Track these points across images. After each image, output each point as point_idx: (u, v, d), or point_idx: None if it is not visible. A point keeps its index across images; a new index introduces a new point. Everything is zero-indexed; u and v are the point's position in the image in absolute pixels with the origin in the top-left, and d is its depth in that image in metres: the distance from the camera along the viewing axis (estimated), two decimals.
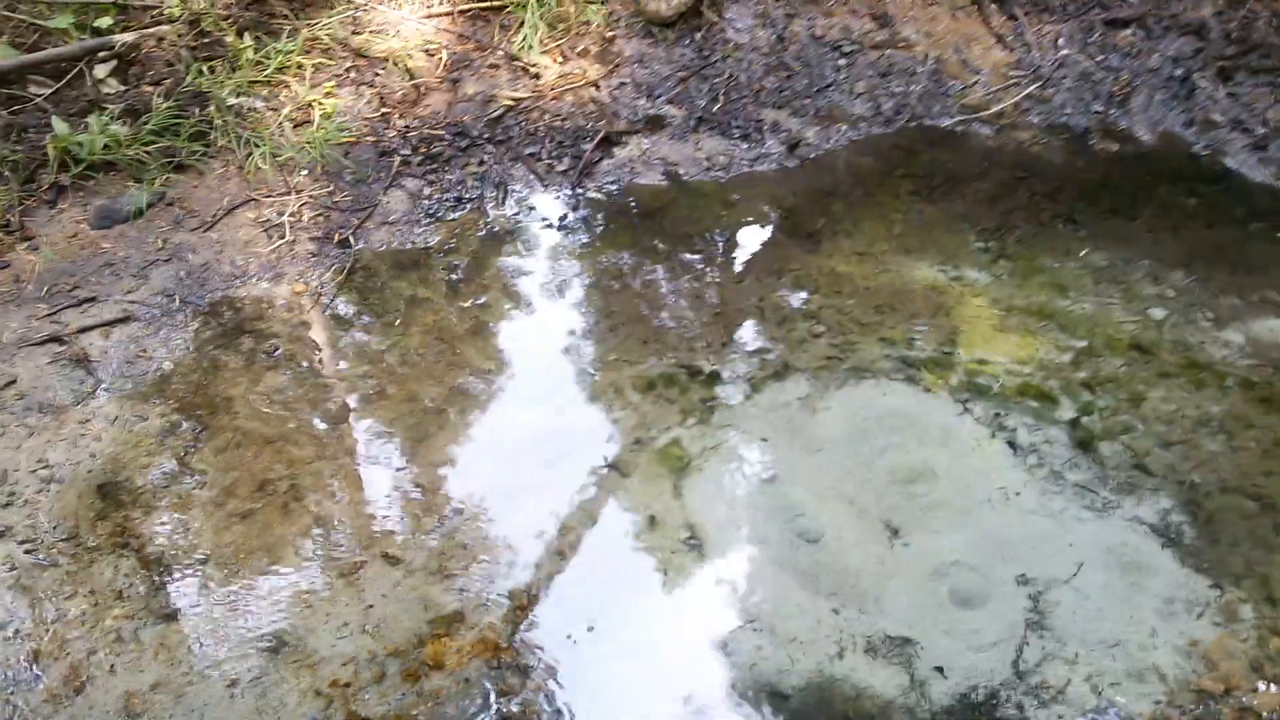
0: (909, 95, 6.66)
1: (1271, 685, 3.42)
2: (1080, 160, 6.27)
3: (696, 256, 5.63)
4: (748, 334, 5.03)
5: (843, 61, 6.81)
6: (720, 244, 5.72)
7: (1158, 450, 4.30)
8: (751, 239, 5.76)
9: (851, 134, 6.49)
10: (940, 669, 3.56)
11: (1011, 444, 4.35)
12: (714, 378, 4.77)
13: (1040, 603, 3.75)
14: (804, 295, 5.22)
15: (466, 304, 5.24)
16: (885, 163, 6.28)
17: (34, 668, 3.68)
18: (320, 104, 6.17)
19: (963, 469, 4.25)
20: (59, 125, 5.57)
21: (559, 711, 3.52)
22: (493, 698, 3.56)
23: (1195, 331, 4.89)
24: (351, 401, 4.69)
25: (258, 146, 5.89)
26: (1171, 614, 3.69)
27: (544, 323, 5.16)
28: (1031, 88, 6.67)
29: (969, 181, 6.09)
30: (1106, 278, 5.26)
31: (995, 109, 6.60)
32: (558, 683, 3.61)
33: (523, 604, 3.87)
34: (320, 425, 4.60)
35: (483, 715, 3.51)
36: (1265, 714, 3.34)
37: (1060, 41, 6.88)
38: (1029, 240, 5.57)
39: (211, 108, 5.97)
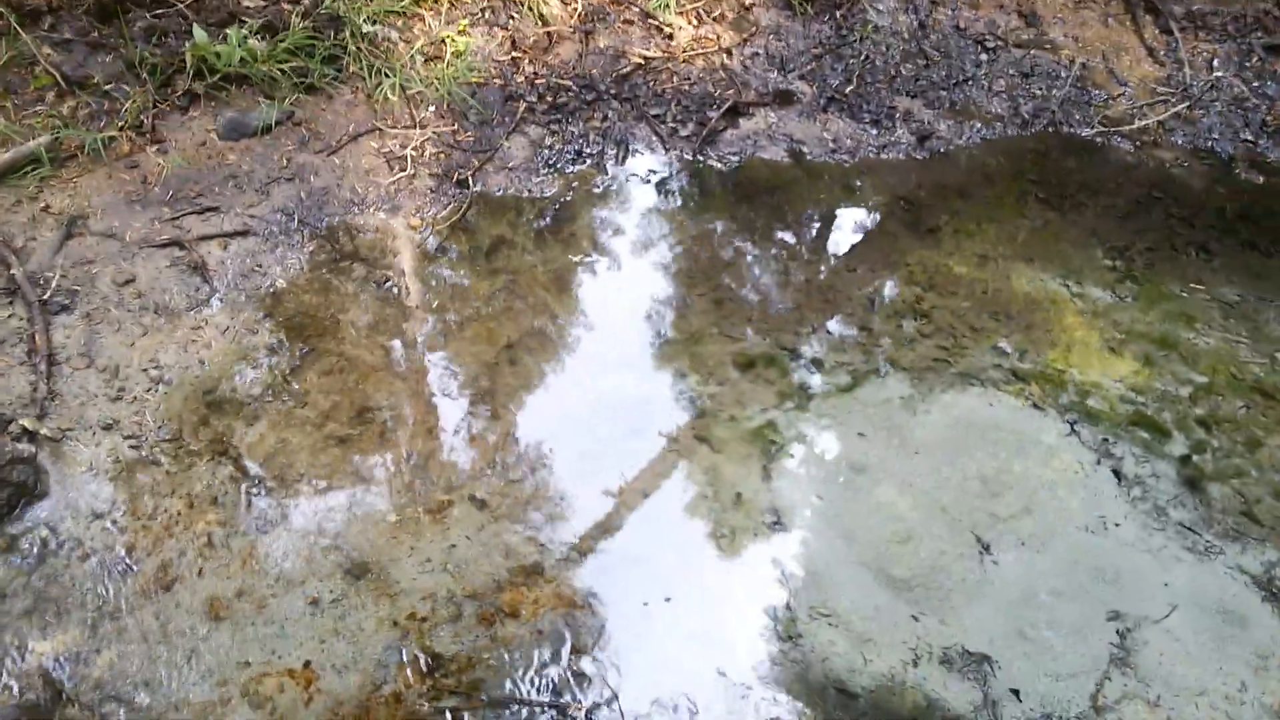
0: (1049, 99, 6.45)
1: None
2: (1222, 188, 6.03)
3: (811, 239, 5.54)
4: (855, 324, 4.94)
5: (984, 57, 6.62)
6: (837, 229, 5.62)
7: (1269, 500, 4.14)
8: (870, 227, 5.65)
9: (985, 132, 6.31)
10: (1016, 692, 3.49)
11: (1117, 472, 4.22)
12: (816, 364, 4.71)
13: (1128, 639, 3.65)
14: (917, 291, 5.11)
15: (576, 258, 5.24)
16: (1017, 165, 6.10)
17: (128, 559, 3.79)
18: (453, 41, 6.18)
19: (1063, 492, 4.14)
20: (199, 33, 5.66)
21: (626, 677, 3.52)
22: (564, 652, 3.58)
23: None
24: (454, 343, 4.73)
25: (388, 76, 5.93)
26: (1264, 670, 3.56)
27: (650, 288, 5.13)
28: (1179, 107, 6.42)
29: (1102, 196, 5.89)
30: (1236, 314, 5.05)
31: (1138, 124, 6.37)
32: (629, 647, 3.61)
33: (601, 564, 3.88)
34: (422, 362, 4.64)
35: (552, 668, 3.54)
36: None
37: (1215, 63, 6.60)
38: (1159, 264, 5.38)
39: (347, 33, 6.01)
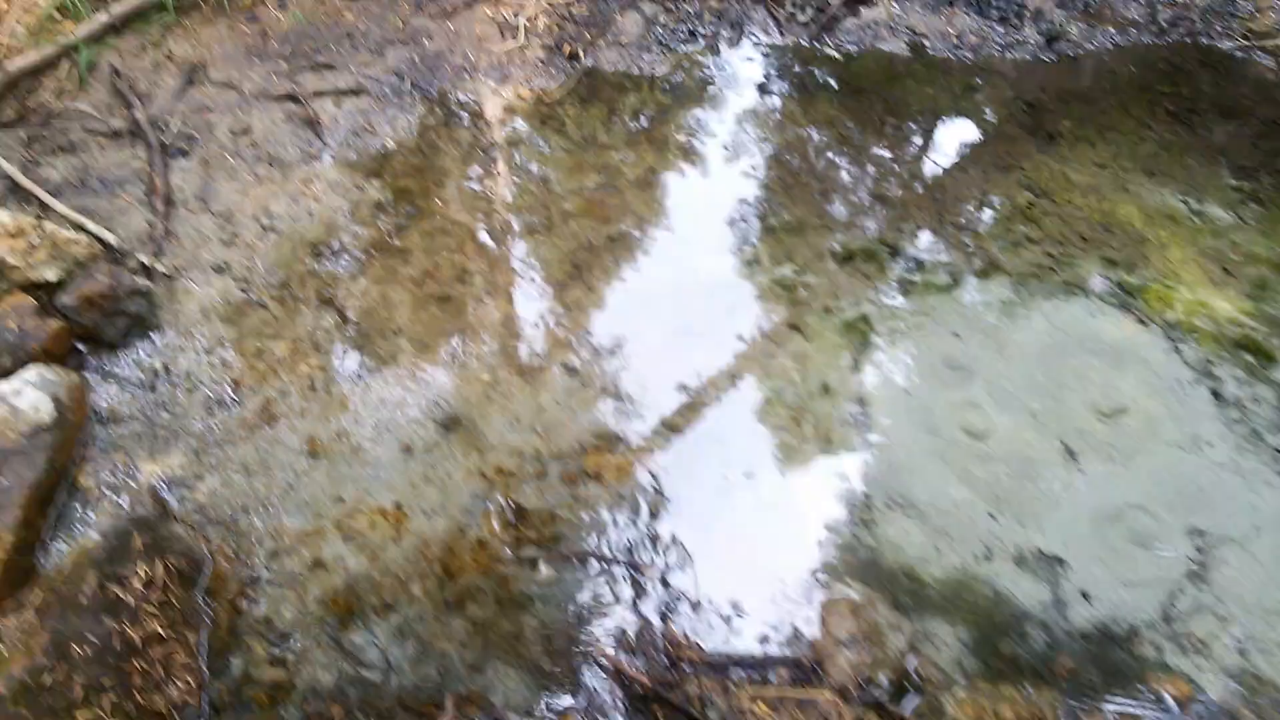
0: (1191, 7, 6.14)
1: None
2: None
3: (925, 135, 5.42)
4: (961, 224, 4.85)
5: None
6: (953, 127, 5.48)
7: None
8: (986, 127, 5.50)
9: (1118, 38, 6.04)
10: (1086, 594, 3.50)
11: (1216, 393, 4.13)
12: (916, 261, 4.65)
13: (1207, 556, 3.62)
14: (1030, 196, 4.98)
15: (683, 139, 5.21)
16: (1148, 75, 5.85)
17: (234, 395, 3.98)
18: None
19: (1158, 407, 4.07)
20: None
21: (701, 544, 3.62)
22: (642, 516, 3.68)
23: None
24: (555, 216, 4.77)
25: None
26: None
27: (755, 175, 5.09)
28: None
29: (1236, 113, 5.62)
30: None
31: None
32: (705, 515, 3.70)
33: (685, 438, 3.95)
34: (522, 232, 4.70)
35: (630, 530, 3.65)
36: None
37: None
38: None
39: None
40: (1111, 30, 6.07)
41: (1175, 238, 4.80)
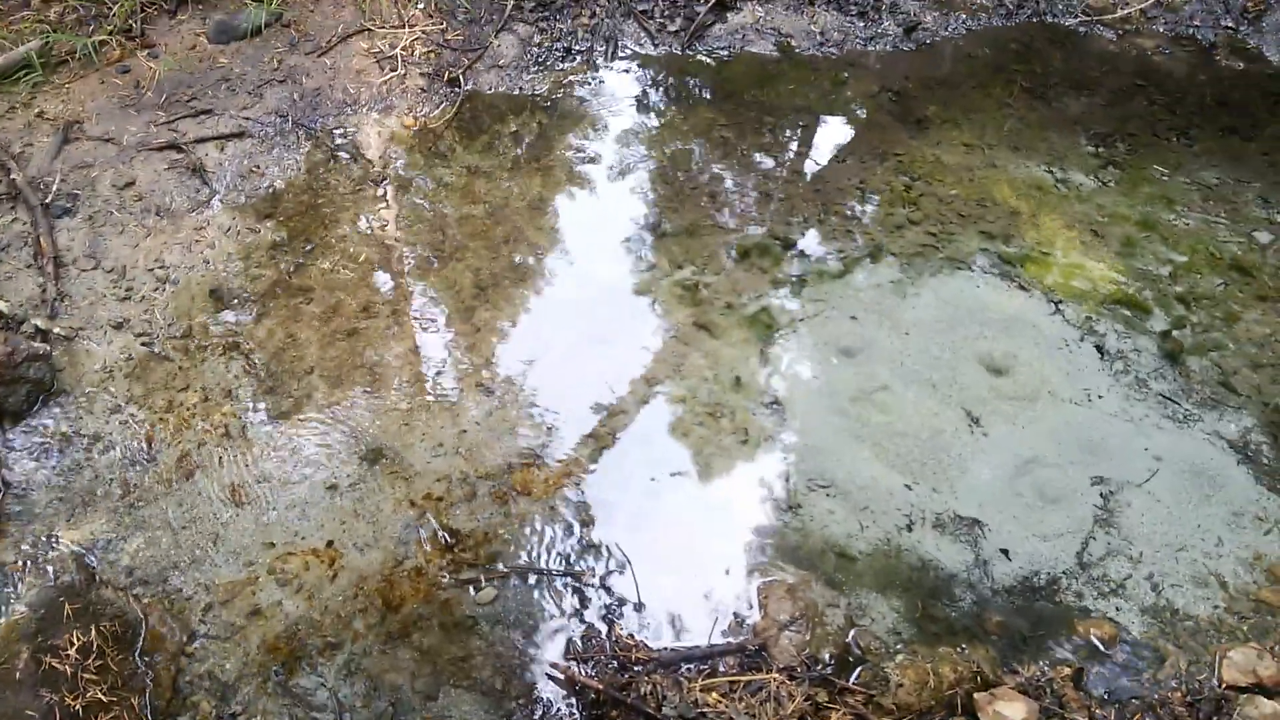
0: None
1: None
2: (1202, 75, 6.11)
3: (800, 131, 5.61)
4: (845, 213, 5.05)
5: None
6: (826, 121, 5.69)
7: (1246, 370, 4.32)
8: (858, 119, 5.72)
9: (971, 23, 6.35)
10: (1006, 551, 3.69)
11: (1100, 348, 4.39)
12: (808, 252, 4.82)
13: (1111, 502, 3.85)
14: (906, 180, 5.21)
15: (568, 155, 5.30)
16: (1002, 56, 6.16)
17: (148, 451, 3.91)
18: None
19: (1048, 367, 4.31)
20: None
21: (636, 546, 3.70)
22: (576, 526, 3.75)
23: None
24: (452, 238, 4.81)
25: None
26: (1240, 527, 3.77)
27: (643, 182, 5.21)
28: None
29: (1085, 85, 5.96)
30: (1216, 196, 5.19)
31: (1121, 13, 6.42)
32: (636, 519, 3.79)
33: (608, 445, 4.03)
34: (422, 258, 4.73)
35: (566, 540, 3.71)
36: None
37: None
38: (1141, 150, 5.49)
39: None
40: (964, 16, 6.37)
41: (1045, 207, 5.08)
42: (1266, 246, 4.89)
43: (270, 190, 4.98)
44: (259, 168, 5.07)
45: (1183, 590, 3.58)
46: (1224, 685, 3.23)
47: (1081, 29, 6.39)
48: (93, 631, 3.30)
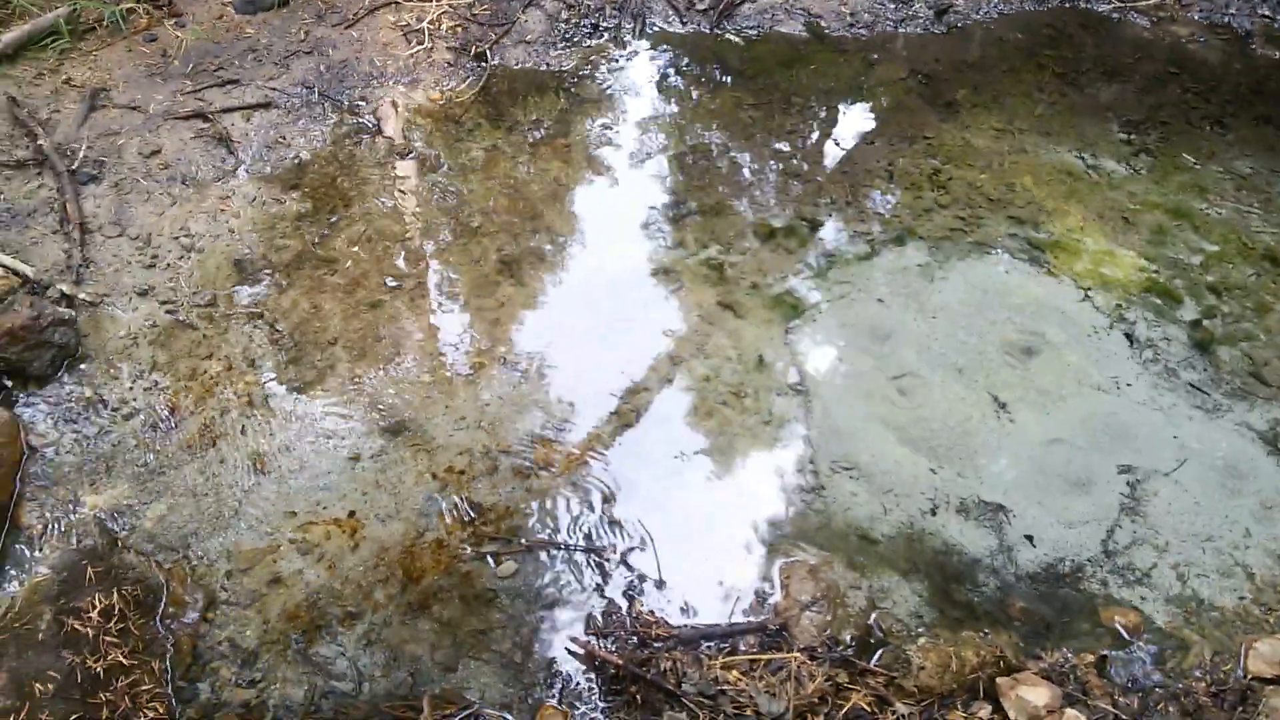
0: None
1: None
2: (1237, 63, 6.03)
3: (829, 112, 5.57)
4: (874, 195, 5.00)
5: None
6: (855, 102, 5.64)
7: (1277, 362, 4.27)
8: (887, 101, 5.67)
9: (1003, 7, 6.28)
10: (1030, 538, 3.66)
11: (1129, 336, 4.34)
12: (835, 233, 4.79)
13: (1138, 491, 3.81)
14: (935, 164, 5.16)
15: (597, 131, 5.27)
16: (1034, 41, 6.09)
17: (172, 418, 3.92)
18: None
19: (1077, 354, 4.26)
20: None
21: (657, 523, 3.68)
22: (598, 501, 3.73)
23: None
24: (479, 212, 4.79)
25: None
26: (1269, 519, 3.73)
27: (666, 161, 5.17)
28: None
29: (1118, 71, 5.89)
30: (1249, 185, 5.12)
31: (1155, 0, 6.33)
32: (660, 496, 3.77)
33: (630, 423, 4.01)
34: (448, 231, 4.71)
35: (587, 515, 3.70)
36: None
37: None
38: (1173, 138, 5.42)
39: None
40: (996, 0, 6.30)
41: (1075, 193, 5.02)
42: None
43: (296, 161, 4.97)
44: (285, 139, 5.05)
45: (1209, 580, 3.54)
46: (1250, 676, 3.20)
47: (1115, 15, 6.31)
48: (115, 595, 3.30)
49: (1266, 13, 6.27)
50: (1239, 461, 3.91)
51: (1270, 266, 4.68)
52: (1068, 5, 6.37)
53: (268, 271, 4.46)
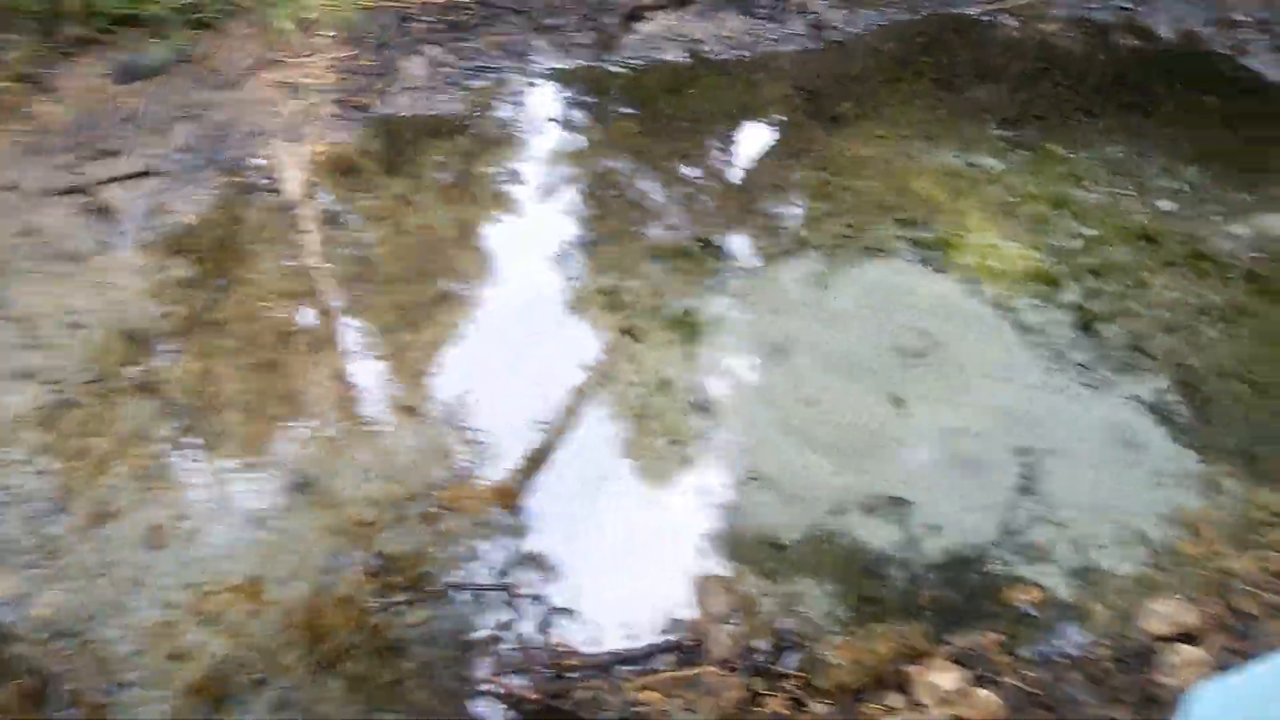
0: None
1: (1248, 551, 3.57)
2: (1102, 55, 6.25)
3: (717, 134, 5.65)
4: (764, 211, 5.08)
5: None
6: (741, 122, 5.73)
7: (1158, 334, 4.39)
8: (773, 119, 5.77)
9: (878, 19, 6.45)
10: (934, 526, 3.70)
11: (1017, 324, 4.44)
12: (729, 251, 4.84)
13: (1034, 471, 3.88)
14: (823, 175, 5.26)
15: (484, 171, 5.28)
16: (910, 49, 6.25)
17: (61, 499, 3.82)
18: None
19: (969, 345, 4.35)
20: None
21: (570, 554, 3.67)
22: (508, 539, 3.71)
23: (1203, 225, 4.95)
24: (370, 261, 4.77)
25: (282, 6, 5.87)
26: (1159, 485, 3.82)
27: (562, 195, 5.21)
28: None
29: (991, 71, 6.07)
30: (1120, 170, 5.29)
31: (1022, 0, 6.53)
32: (569, 526, 3.76)
33: (538, 456, 4.00)
34: (339, 282, 4.68)
35: (498, 554, 3.67)
36: (1240, 576, 3.49)
37: None
38: (1047, 131, 5.59)
39: None
40: (870, 12, 6.47)
41: (958, 192, 5.14)
42: (1172, 214, 4.99)
43: (182, 227, 4.91)
44: (168, 205, 5.00)
45: (1107, 551, 3.61)
46: (1150, 637, 3.26)
47: (985, 18, 6.50)
48: (11, 689, 3.20)
49: (1124, 4, 6.51)
50: (1130, 433, 4.00)
51: (1146, 244, 4.83)
52: (939, 12, 6.55)
53: (157, 340, 4.39)
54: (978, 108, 5.78)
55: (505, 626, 3.47)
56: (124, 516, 3.79)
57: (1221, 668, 3.15)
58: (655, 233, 4.95)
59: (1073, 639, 3.34)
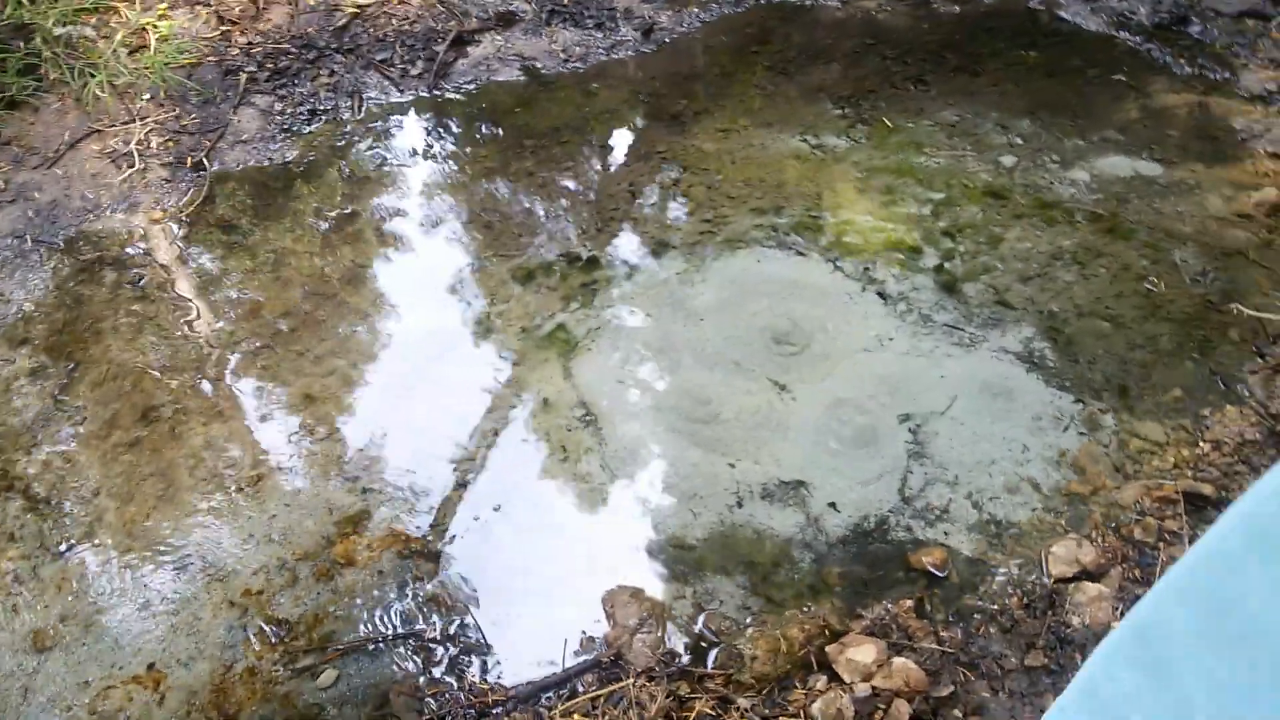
0: None
1: (1132, 481, 3.70)
2: (925, 24, 6.45)
3: (563, 148, 5.63)
4: (622, 217, 5.08)
5: None
6: (586, 134, 5.73)
7: (1017, 285, 4.54)
8: (616, 126, 5.78)
9: (704, 15, 6.52)
10: (833, 504, 3.75)
11: (882, 294, 4.53)
12: (592, 262, 4.83)
13: (920, 435, 3.97)
14: (673, 175, 5.29)
15: (332, 213, 5.16)
16: (740, 41, 6.34)
17: None
18: (155, 27, 5.92)
19: (839, 322, 4.42)
20: None
21: (474, 590, 3.59)
22: (409, 584, 3.61)
23: (1044, 174, 5.14)
24: (227, 319, 4.60)
25: (93, 76, 5.63)
26: (1040, 430, 3.94)
27: (414, 227, 5.11)
28: None
29: (822, 53, 6.20)
30: (958, 132, 5.46)
31: None
32: (470, 561, 3.68)
33: (427, 494, 3.91)
34: (198, 348, 4.50)
35: (400, 602, 3.57)
36: (1129, 506, 3.62)
37: None
38: (883, 104, 5.74)
39: (38, 39, 5.67)
40: (696, 10, 6.54)
41: (807, 173, 5.24)
42: (1013, 168, 5.17)
43: (19, 316, 4.65)
44: (5, 295, 4.73)
45: (1001, 501, 3.71)
46: (1053, 580, 3.35)
47: (808, 3, 6.64)
48: None
49: None
50: (1004, 384, 4.13)
51: (993, 201, 5.00)
52: (763, 2, 6.67)
53: (10, 437, 4.14)
54: (814, 90, 5.90)
55: (420, 673, 3.37)
56: (2, 624, 3.56)
57: (1125, 599, 3.26)
58: (515, 252, 4.90)
59: (981, 593, 3.41)
